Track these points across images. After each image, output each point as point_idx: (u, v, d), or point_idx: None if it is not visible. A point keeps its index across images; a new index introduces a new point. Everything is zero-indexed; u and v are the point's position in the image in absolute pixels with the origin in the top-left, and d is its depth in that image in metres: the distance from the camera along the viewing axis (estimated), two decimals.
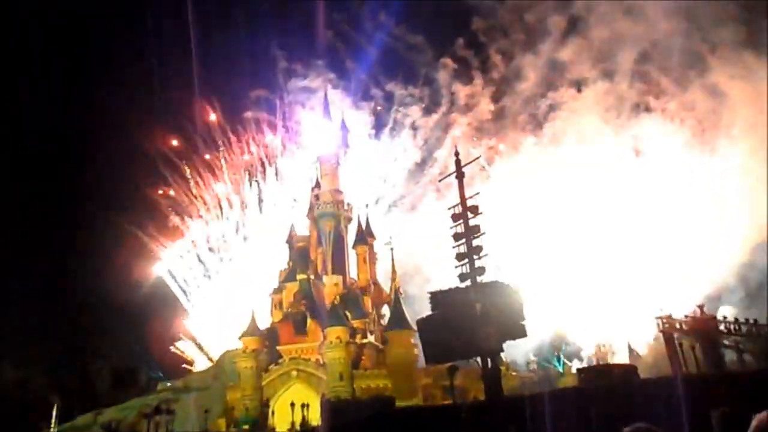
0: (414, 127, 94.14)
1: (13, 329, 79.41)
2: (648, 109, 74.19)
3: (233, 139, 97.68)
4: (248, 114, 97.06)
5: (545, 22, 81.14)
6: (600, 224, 65.71)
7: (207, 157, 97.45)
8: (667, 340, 39.45)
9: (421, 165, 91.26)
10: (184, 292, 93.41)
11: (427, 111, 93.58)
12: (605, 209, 66.54)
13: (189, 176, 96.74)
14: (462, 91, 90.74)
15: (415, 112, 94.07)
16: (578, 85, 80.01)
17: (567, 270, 64.69)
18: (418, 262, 74.43)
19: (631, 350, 60.90)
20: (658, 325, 41.17)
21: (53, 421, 48.63)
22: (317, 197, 65.66)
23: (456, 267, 26.11)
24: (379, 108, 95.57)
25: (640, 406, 23.70)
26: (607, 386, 27.07)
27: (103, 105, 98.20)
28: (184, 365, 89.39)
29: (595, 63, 78.02)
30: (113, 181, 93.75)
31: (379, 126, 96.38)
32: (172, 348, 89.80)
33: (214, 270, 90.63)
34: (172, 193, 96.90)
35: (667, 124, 71.05)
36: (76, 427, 61.38)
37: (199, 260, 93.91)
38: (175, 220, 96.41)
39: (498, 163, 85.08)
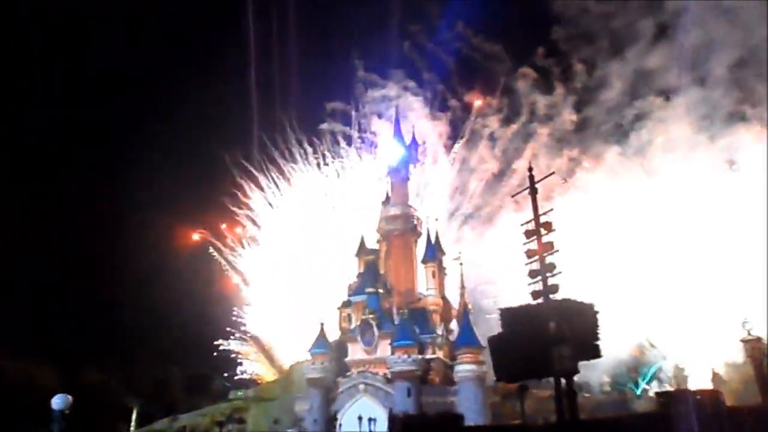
0: (492, 138, 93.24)
1: (95, 338, 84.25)
2: (743, 119, 70.46)
3: (309, 150, 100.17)
4: (324, 126, 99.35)
5: (632, 28, 78.62)
6: (687, 239, 62.77)
7: (283, 168, 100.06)
8: (756, 366, 36.99)
9: (499, 176, 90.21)
10: (258, 300, 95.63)
11: (506, 121, 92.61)
12: (693, 222, 63.56)
13: (266, 186, 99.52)
14: (542, 100, 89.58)
15: (493, 122, 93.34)
16: (667, 94, 77.43)
17: (647, 287, 62.06)
18: (492, 276, 73.42)
19: (714, 374, 57.50)
20: (745, 349, 38.75)
21: (132, 423, 50.80)
22: (387, 212, 66.10)
23: (529, 284, 25.56)
24: (456, 118, 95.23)
25: None
26: (692, 412, 25.66)
27: (181, 116, 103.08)
28: (251, 376, 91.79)
29: (685, 70, 75.18)
30: (190, 195, 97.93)
31: (455, 137, 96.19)
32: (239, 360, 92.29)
33: (287, 281, 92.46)
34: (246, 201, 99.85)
35: (764, 133, 67.11)
36: (154, 431, 64.05)
37: (272, 270, 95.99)
38: (250, 230, 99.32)
39: (579, 175, 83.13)
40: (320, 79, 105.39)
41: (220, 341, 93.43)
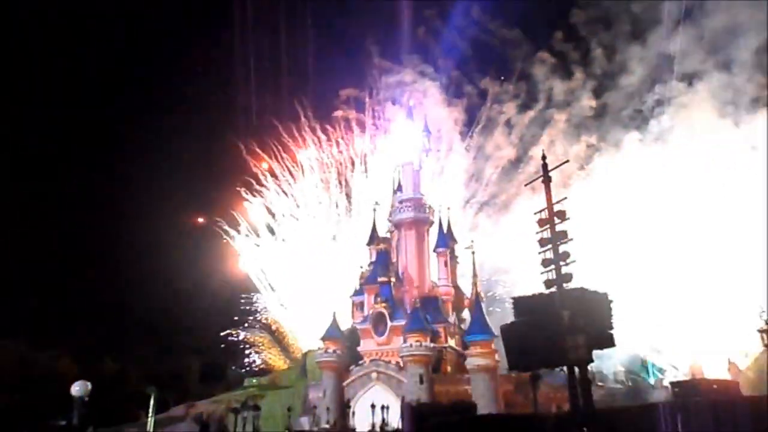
0: (509, 124, 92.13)
1: (113, 326, 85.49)
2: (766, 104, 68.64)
3: (323, 138, 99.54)
4: (338, 113, 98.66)
5: (654, 11, 77.57)
6: (706, 226, 62.03)
7: (297, 155, 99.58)
8: None
9: (516, 163, 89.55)
10: (272, 288, 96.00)
11: (523, 107, 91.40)
12: (713, 210, 62.71)
13: (280, 174, 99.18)
14: (560, 86, 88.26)
15: (510, 108, 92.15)
16: (689, 78, 75.93)
17: (665, 276, 61.56)
18: (507, 265, 72.98)
19: (730, 364, 57.04)
20: (762, 338, 38.36)
21: (150, 410, 51.50)
22: (399, 201, 65.97)
23: (542, 273, 25.45)
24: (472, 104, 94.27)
25: (745, 425, 22.17)
26: (707, 402, 25.46)
27: (190, 104, 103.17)
28: (265, 364, 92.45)
29: (709, 54, 73.76)
30: (204, 184, 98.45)
31: (471, 123, 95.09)
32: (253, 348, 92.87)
33: (301, 268, 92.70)
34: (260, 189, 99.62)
35: None
36: (171, 418, 64.92)
37: (285, 258, 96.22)
38: (265, 218, 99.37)
39: (598, 162, 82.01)
40: (334, 65, 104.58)
41: (231, 330, 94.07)
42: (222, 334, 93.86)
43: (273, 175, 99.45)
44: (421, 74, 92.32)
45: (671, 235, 64.01)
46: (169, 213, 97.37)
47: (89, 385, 27.61)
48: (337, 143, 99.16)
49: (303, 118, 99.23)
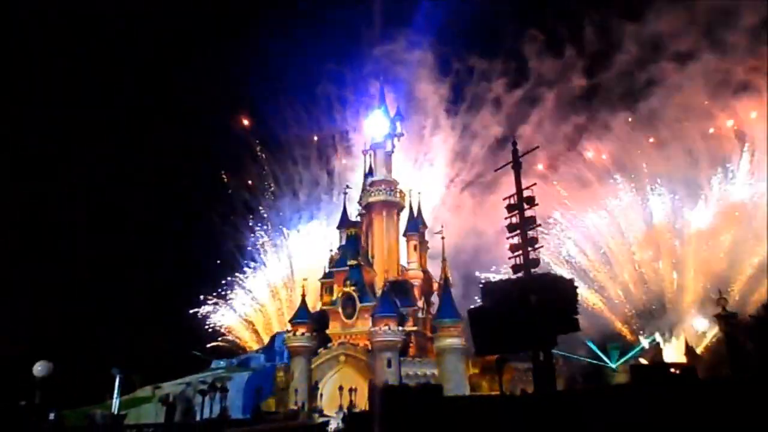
0: (497, 103, 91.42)
1: (76, 308, 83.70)
2: (751, 88, 69.07)
3: (304, 117, 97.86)
4: (318, 89, 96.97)
5: None
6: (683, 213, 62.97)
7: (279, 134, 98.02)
8: (730, 341, 37.89)
9: (503, 142, 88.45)
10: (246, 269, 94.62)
11: (512, 85, 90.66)
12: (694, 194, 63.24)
13: (260, 153, 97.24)
14: (550, 64, 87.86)
15: (498, 86, 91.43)
16: (682, 59, 75.60)
17: (634, 261, 62.95)
18: (491, 244, 73.00)
19: (688, 349, 58.96)
20: (719, 324, 39.58)
21: (115, 391, 50.84)
22: (370, 184, 65.86)
23: (509, 258, 25.82)
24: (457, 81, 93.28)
25: (700, 408, 22.91)
26: (664, 386, 26.25)
27: (174, 83, 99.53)
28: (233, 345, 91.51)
29: (702, 35, 73.64)
30: (185, 165, 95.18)
31: (458, 101, 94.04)
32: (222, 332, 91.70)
33: (277, 248, 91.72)
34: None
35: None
36: (137, 399, 64.17)
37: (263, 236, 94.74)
38: (244, 195, 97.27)
39: (586, 141, 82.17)
40: (316, 40, 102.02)
41: (196, 309, 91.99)
42: (193, 314, 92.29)
43: (253, 155, 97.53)
44: (407, 50, 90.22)
45: (648, 222, 65.27)
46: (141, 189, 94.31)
47: (51, 365, 27.14)
48: (318, 120, 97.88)
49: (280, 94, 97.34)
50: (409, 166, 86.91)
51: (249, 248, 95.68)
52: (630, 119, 78.38)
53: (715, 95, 70.71)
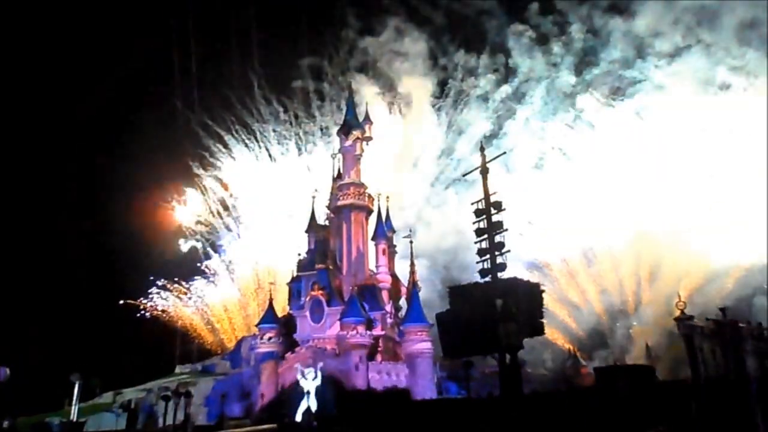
0: (484, 98, 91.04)
1: (38, 311, 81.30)
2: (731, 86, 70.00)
3: (279, 110, 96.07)
4: (297, 83, 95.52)
5: None
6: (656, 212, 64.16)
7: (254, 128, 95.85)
8: (688, 343, 39.00)
9: (489, 138, 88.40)
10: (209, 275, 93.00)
11: (498, 82, 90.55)
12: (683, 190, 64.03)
13: (234, 147, 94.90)
14: (536, 60, 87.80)
15: (484, 82, 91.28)
16: (671, 55, 76.52)
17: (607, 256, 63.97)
18: (467, 241, 73.16)
19: (649, 351, 60.41)
20: (678, 327, 40.70)
21: (74, 398, 49.56)
22: (339, 187, 65.71)
23: (477, 263, 26.10)
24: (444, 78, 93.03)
25: (659, 408, 23.58)
26: (625, 387, 26.94)
27: (140, 76, 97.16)
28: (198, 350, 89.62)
29: (690, 30, 74.42)
30: (153, 157, 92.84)
31: (444, 96, 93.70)
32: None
33: (242, 250, 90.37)
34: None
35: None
36: (97, 405, 62.68)
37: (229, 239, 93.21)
38: (217, 193, 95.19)
39: (572, 137, 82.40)
40: (294, 32, 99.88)
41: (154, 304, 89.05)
42: (151, 317, 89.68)
43: (227, 148, 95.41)
44: (394, 40, 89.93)
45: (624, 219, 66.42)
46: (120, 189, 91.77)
47: (8, 370, 26.34)
48: (296, 116, 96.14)
49: (257, 89, 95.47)
50: (392, 164, 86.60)
51: (220, 245, 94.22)
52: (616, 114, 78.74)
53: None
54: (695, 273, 61.31)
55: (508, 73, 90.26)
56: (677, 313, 38.74)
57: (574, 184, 75.91)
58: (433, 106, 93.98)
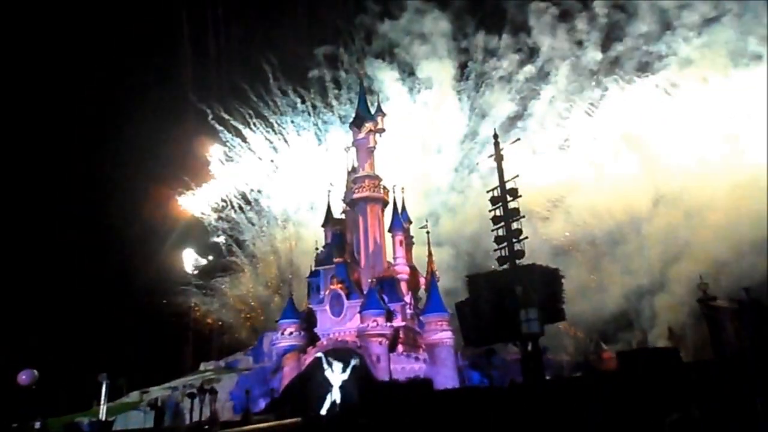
0: (507, 80, 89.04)
1: (60, 314, 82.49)
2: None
3: (297, 101, 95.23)
4: (314, 73, 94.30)
5: None
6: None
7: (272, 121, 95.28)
8: (711, 324, 38.59)
9: (514, 119, 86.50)
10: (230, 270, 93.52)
11: (521, 61, 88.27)
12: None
13: (252, 141, 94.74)
14: (560, 38, 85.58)
15: (506, 63, 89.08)
16: (700, 27, 73.54)
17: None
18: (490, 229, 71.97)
19: (672, 332, 59.77)
20: (701, 308, 40.24)
21: (102, 398, 50.40)
22: (353, 181, 65.81)
23: (495, 251, 26.06)
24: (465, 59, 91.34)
25: (683, 391, 23.33)
26: (648, 371, 26.70)
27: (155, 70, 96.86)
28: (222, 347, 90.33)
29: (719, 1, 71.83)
30: (170, 153, 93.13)
31: (465, 80, 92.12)
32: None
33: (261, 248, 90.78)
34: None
35: None
36: (124, 405, 63.64)
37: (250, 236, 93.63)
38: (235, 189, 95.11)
39: (599, 115, 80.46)
40: (308, 21, 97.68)
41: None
42: (177, 316, 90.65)
43: (245, 142, 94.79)
44: (412, 22, 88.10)
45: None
46: (134, 188, 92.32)
47: (36, 373, 26.84)
48: (314, 106, 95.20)
49: (272, 80, 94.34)
50: (416, 150, 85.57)
51: (243, 239, 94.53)
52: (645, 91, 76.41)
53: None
54: (724, 250, 59.94)
55: (531, 53, 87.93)
56: (700, 294, 38.36)
57: (601, 163, 74.56)
58: (455, 89, 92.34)
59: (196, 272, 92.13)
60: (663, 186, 68.84)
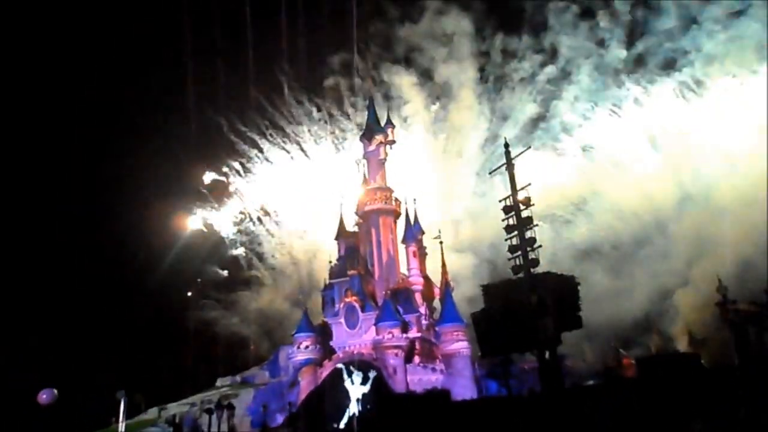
0: (529, 81, 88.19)
1: (78, 331, 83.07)
2: None
3: (312, 110, 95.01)
4: (329, 81, 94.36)
5: None
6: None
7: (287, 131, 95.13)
8: (732, 329, 37.98)
9: (536, 121, 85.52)
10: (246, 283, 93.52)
11: (542, 63, 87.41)
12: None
13: (268, 152, 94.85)
14: (581, 37, 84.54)
15: (527, 65, 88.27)
16: (725, 21, 71.90)
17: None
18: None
19: (693, 338, 58.92)
20: (721, 312, 39.62)
21: (120, 415, 50.49)
22: (365, 193, 65.89)
23: (509, 260, 25.89)
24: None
25: (705, 397, 22.98)
26: (669, 377, 26.34)
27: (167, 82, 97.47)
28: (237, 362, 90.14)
29: None
30: (183, 168, 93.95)
31: (485, 82, 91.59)
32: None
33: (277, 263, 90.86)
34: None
35: None
36: (142, 422, 63.82)
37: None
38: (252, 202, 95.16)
39: (623, 115, 79.20)
40: (323, 29, 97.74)
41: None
42: (194, 331, 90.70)
43: (262, 153, 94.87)
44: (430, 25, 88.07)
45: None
46: (148, 204, 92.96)
47: (56, 392, 26.99)
48: (330, 114, 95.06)
49: (287, 90, 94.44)
50: (438, 156, 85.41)
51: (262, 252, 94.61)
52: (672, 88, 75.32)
53: None
54: (751, 250, 58.66)
55: (552, 53, 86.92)
56: (719, 297, 37.78)
57: (625, 164, 73.65)
58: (475, 92, 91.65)
59: (212, 287, 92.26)
60: (689, 185, 67.71)
